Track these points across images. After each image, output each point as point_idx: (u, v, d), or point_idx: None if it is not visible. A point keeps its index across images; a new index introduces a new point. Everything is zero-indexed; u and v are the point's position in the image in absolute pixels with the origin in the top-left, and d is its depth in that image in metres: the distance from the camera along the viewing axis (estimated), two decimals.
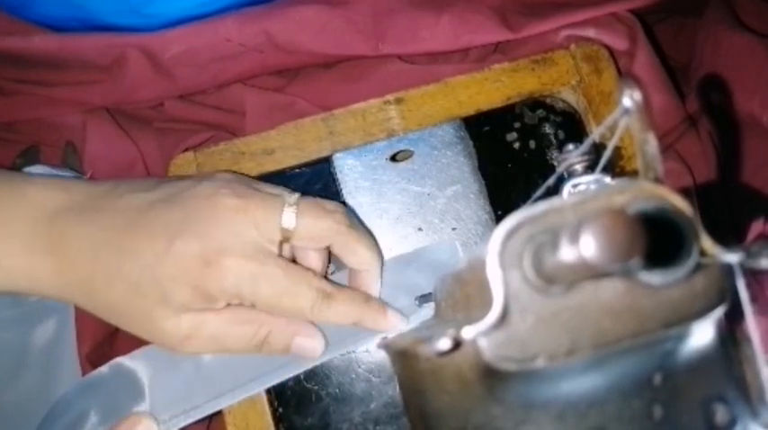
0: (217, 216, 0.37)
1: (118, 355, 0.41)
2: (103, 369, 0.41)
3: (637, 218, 0.20)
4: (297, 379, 0.44)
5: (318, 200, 0.40)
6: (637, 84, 0.26)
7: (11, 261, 0.37)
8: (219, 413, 0.43)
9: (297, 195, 0.39)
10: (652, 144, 0.26)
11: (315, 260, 0.42)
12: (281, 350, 0.40)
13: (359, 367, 0.44)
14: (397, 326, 0.41)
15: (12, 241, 0.37)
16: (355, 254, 0.40)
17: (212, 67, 0.47)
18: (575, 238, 0.19)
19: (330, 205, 0.40)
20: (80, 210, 0.38)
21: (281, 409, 0.43)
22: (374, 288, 0.42)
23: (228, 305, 0.38)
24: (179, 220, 0.37)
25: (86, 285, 0.38)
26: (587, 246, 0.19)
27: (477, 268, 0.25)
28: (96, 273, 0.37)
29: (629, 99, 0.25)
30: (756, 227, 0.42)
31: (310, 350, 0.40)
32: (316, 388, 0.44)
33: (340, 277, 0.43)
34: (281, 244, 0.39)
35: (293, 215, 0.38)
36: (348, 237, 0.40)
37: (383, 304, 0.41)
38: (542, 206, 0.24)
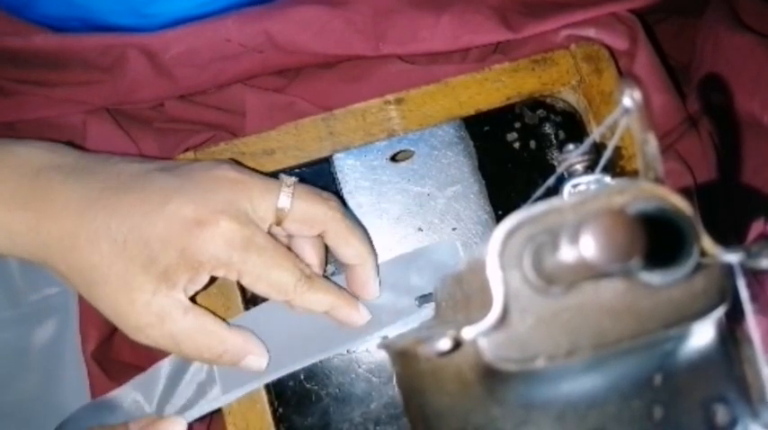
0: (214, 184, 0.38)
1: (118, 355, 0.42)
2: (114, 393, 0.41)
3: (637, 218, 0.20)
4: (297, 379, 0.44)
5: (315, 188, 0.41)
6: (637, 83, 0.26)
7: None
8: (219, 413, 0.43)
9: (294, 179, 0.40)
10: (652, 144, 0.26)
11: (311, 254, 0.42)
12: (227, 365, 0.40)
13: (359, 367, 0.44)
14: (364, 321, 0.41)
15: None
16: (348, 244, 0.41)
17: (212, 68, 0.47)
18: (575, 239, 0.19)
19: (326, 194, 0.41)
20: (69, 171, 0.38)
21: (281, 409, 0.43)
22: (371, 284, 0.42)
23: (211, 278, 0.38)
24: (175, 187, 0.37)
25: (67, 242, 0.37)
26: (587, 247, 0.19)
27: (477, 268, 0.25)
28: (80, 230, 0.37)
29: (630, 99, 0.25)
30: (757, 227, 0.42)
31: (255, 369, 0.40)
32: (316, 388, 0.44)
33: (339, 280, 0.43)
34: (271, 226, 0.39)
35: (289, 196, 0.39)
36: (341, 226, 0.40)
37: (355, 299, 0.41)
38: (542, 206, 0.24)
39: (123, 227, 0.36)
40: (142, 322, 0.37)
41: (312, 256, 0.42)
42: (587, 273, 0.20)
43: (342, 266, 0.44)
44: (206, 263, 0.37)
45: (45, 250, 0.37)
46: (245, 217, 0.38)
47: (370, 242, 0.42)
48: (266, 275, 0.38)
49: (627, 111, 0.26)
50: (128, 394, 0.41)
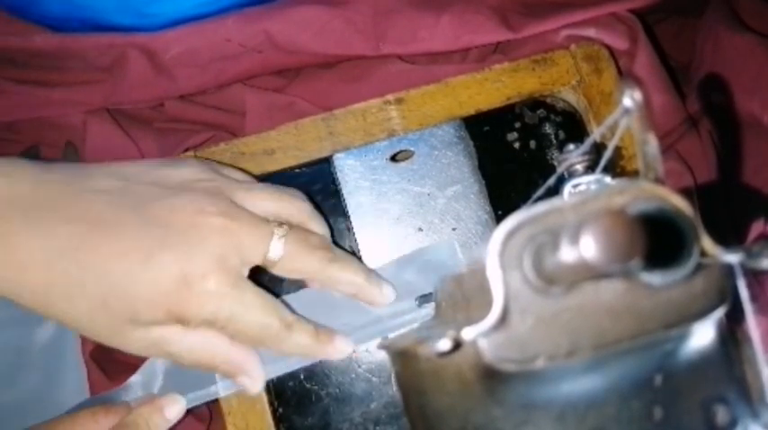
0: (200, 237, 0.35)
1: (117, 355, 0.41)
2: (114, 390, 0.41)
3: (637, 218, 0.20)
4: (297, 379, 0.44)
5: (305, 233, 0.39)
6: (637, 84, 0.26)
7: None
8: (220, 413, 0.43)
9: (286, 227, 0.38)
10: (652, 144, 0.26)
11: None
12: (225, 375, 0.39)
13: (359, 367, 0.44)
14: (344, 350, 0.40)
15: None
16: (339, 284, 0.40)
17: (212, 68, 0.47)
18: (575, 239, 0.19)
19: (315, 239, 0.40)
20: (27, 207, 0.34)
21: (281, 409, 0.43)
22: (379, 299, 0.41)
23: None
24: (156, 239, 0.35)
25: (40, 296, 0.34)
26: (587, 247, 0.19)
27: (478, 269, 0.25)
28: (52, 287, 0.34)
29: (630, 99, 0.25)
30: (757, 227, 0.42)
31: (248, 388, 0.39)
32: (316, 388, 0.44)
33: None
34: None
35: (280, 247, 0.37)
36: (329, 273, 0.39)
37: (330, 333, 0.40)
38: (542, 206, 0.24)
39: (101, 285, 0.34)
40: (142, 347, 0.36)
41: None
42: (588, 273, 0.20)
43: None
44: (192, 320, 0.35)
45: (18, 298, 0.34)
46: (234, 276, 0.36)
47: (360, 266, 0.41)
48: (247, 332, 0.37)
49: (627, 111, 0.26)
50: (127, 390, 0.41)
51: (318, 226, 0.41)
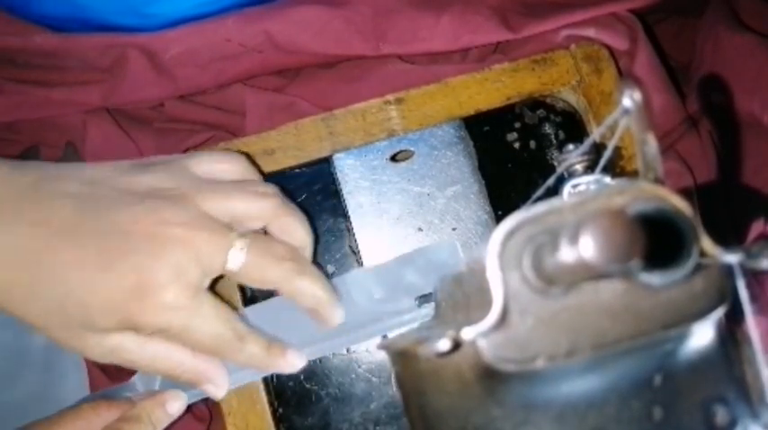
0: (158, 248, 0.35)
1: None
2: (114, 387, 0.41)
3: (636, 219, 0.20)
4: (297, 379, 0.44)
5: (269, 242, 0.39)
6: (636, 84, 0.26)
7: None
8: (220, 413, 0.43)
9: (248, 237, 0.37)
10: (652, 144, 0.26)
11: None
12: (188, 384, 0.39)
13: (359, 367, 0.44)
14: (295, 364, 0.40)
15: None
16: (301, 296, 0.39)
17: (212, 68, 0.47)
18: (574, 239, 0.19)
19: (280, 249, 0.39)
20: None
21: (281, 410, 0.43)
22: (332, 321, 0.40)
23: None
24: (115, 247, 0.35)
25: (4, 295, 0.35)
26: (586, 247, 0.19)
27: (477, 269, 0.25)
28: (12, 286, 0.35)
29: (629, 100, 0.25)
30: (757, 227, 0.42)
31: (212, 395, 0.40)
32: (315, 388, 0.44)
33: (339, 281, 0.43)
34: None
35: (241, 257, 0.37)
36: (293, 285, 0.39)
37: (282, 347, 0.40)
38: (542, 207, 0.24)
39: (58, 291, 0.34)
40: (100, 354, 0.37)
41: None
42: (587, 273, 0.20)
43: (343, 268, 0.44)
44: (147, 329, 0.35)
45: None
46: (192, 288, 0.35)
47: (327, 285, 0.40)
48: (201, 343, 0.37)
49: (626, 111, 0.26)
50: (128, 387, 0.41)
51: (294, 222, 0.40)
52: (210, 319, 0.36)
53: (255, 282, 0.38)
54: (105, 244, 0.35)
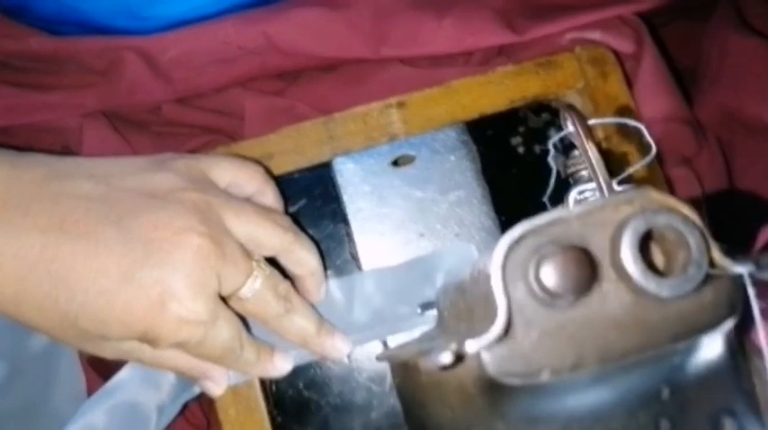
0: (183, 257, 0.33)
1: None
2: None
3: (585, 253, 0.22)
4: (296, 387, 0.43)
5: (277, 280, 0.38)
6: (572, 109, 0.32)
7: None
8: (217, 422, 0.42)
9: (266, 269, 0.37)
10: (594, 153, 0.30)
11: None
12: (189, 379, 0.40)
13: (359, 376, 0.43)
14: (282, 368, 0.40)
15: None
16: (288, 335, 0.39)
17: (211, 71, 0.47)
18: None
19: (283, 289, 0.38)
20: None
21: (279, 418, 0.43)
22: (332, 354, 0.41)
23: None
24: (135, 257, 0.33)
25: (11, 306, 0.33)
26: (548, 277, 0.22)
27: (481, 279, 0.25)
28: (23, 297, 0.33)
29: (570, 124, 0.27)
30: (765, 234, 0.41)
31: (210, 392, 0.40)
32: (315, 397, 0.43)
33: (333, 284, 0.43)
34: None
35: (256, 286, 0.36)
36: (282, 324, 0.38)
37: (270, 352, 0.40)
38: (547, 216, 0.23)
39: (74, 303, 0.32)
40: (110, 355, 0.37)
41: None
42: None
43: (343, 270, 0.44)
44: (165, 342, 0.34)
45: None
46: (212, 304, 0.34)
47: (321, 324, 0.40)
48: (211, 357, 0.37)
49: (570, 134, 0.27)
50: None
51: (307, 255, 0.40)
52: (224, 332, 0.36)
53: (246, 312, 0.38)
54: (124, 253, 0.33)
